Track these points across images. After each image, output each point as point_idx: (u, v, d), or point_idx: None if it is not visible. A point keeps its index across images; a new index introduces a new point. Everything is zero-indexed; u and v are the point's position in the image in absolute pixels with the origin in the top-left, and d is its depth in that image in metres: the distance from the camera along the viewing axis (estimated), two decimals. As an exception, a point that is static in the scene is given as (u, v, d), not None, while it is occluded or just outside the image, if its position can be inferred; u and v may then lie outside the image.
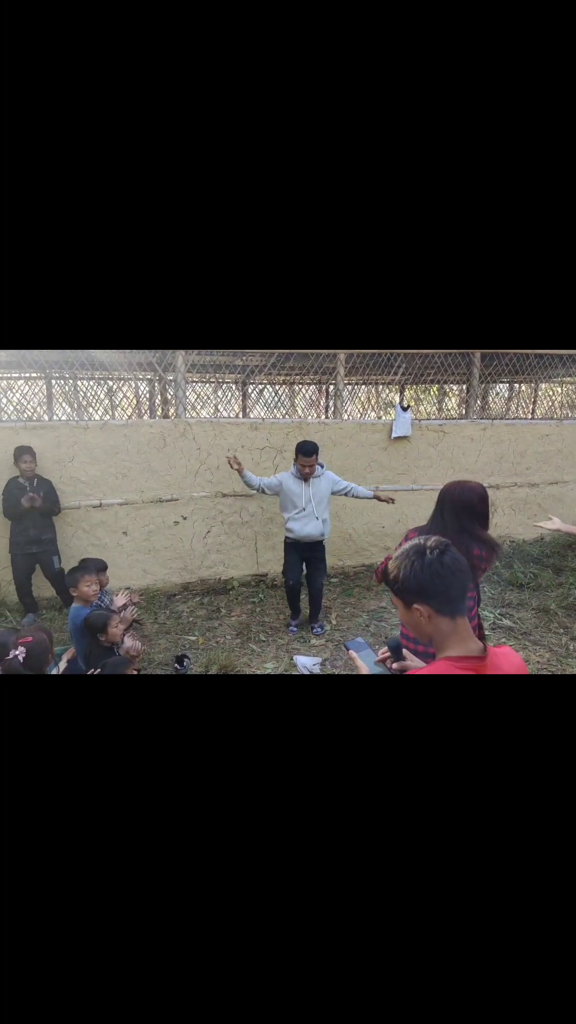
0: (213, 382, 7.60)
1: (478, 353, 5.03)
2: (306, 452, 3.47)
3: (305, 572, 3.78)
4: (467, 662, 0.99)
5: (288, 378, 7.30)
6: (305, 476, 3.53)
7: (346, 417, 4.89)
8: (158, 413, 7.14)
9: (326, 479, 3.60)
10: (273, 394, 7.23)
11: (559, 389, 8.16)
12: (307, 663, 3.24)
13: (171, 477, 4.29)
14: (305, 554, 3.70)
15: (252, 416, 7.20)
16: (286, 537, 3.70)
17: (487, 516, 1.92)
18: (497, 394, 9.01)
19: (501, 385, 8.71)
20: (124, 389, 7.53)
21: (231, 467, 3.43)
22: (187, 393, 4.76)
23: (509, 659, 1.06)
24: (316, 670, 3.22)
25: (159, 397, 7.25)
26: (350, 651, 1.32)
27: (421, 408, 8.89)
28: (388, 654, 1.25)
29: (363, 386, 8.06)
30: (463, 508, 1.85)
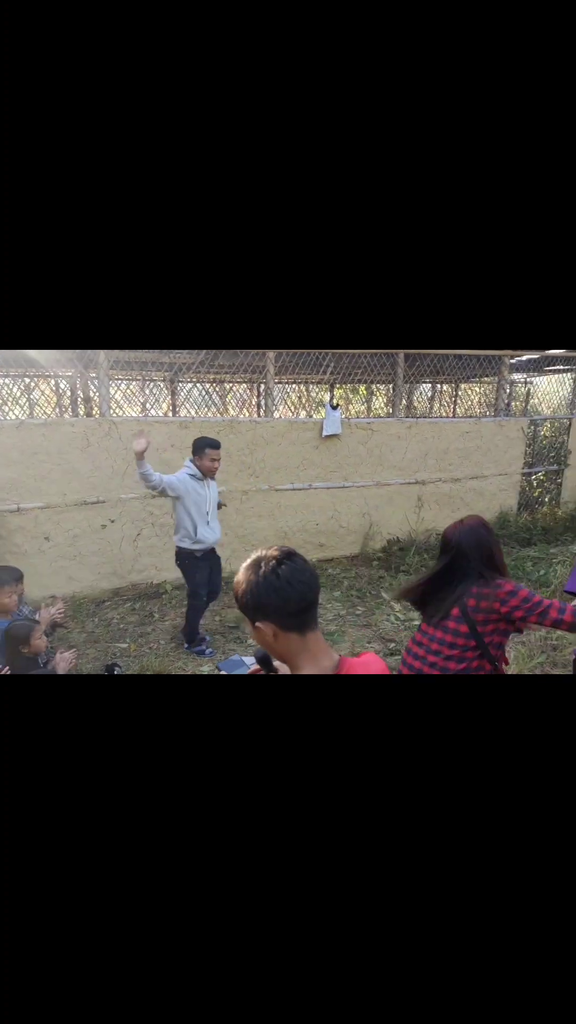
0: (139, 379, 7.35)
1: (402, 354, 5.21)
2: (215, 445, 3.16)
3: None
4: None
5: (218, 376, 7.20)
6: (213, 473, 3.20)
7: (277, 415, 4.89)
8: (80, 412, 6.80)
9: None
10: (203, 392, 7.10)
11: (477, 389, 8.64)
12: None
13: (96, 479, 4.10)
14: (212, 563, 3.39)
15: (182, 415, 7.05)
16: (191, 552, 3.23)
17: (501, 558, 1.67)
18: (421, 394, 9.40)
19: (424, 385, 9.09)
20: (42, 386, 7.11)
21: (136, 449, 2.89)
22: (111, 391, 4.57)
23: (369, 668, 0.97)
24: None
25: (81, 395, 6.91)
26: (221, 672, 1.26)
27: (350, 407, 9.09)
28: (258, 667, 1.15)
29: (294, 385, 8.12)
30: (482, 555, 1.63)
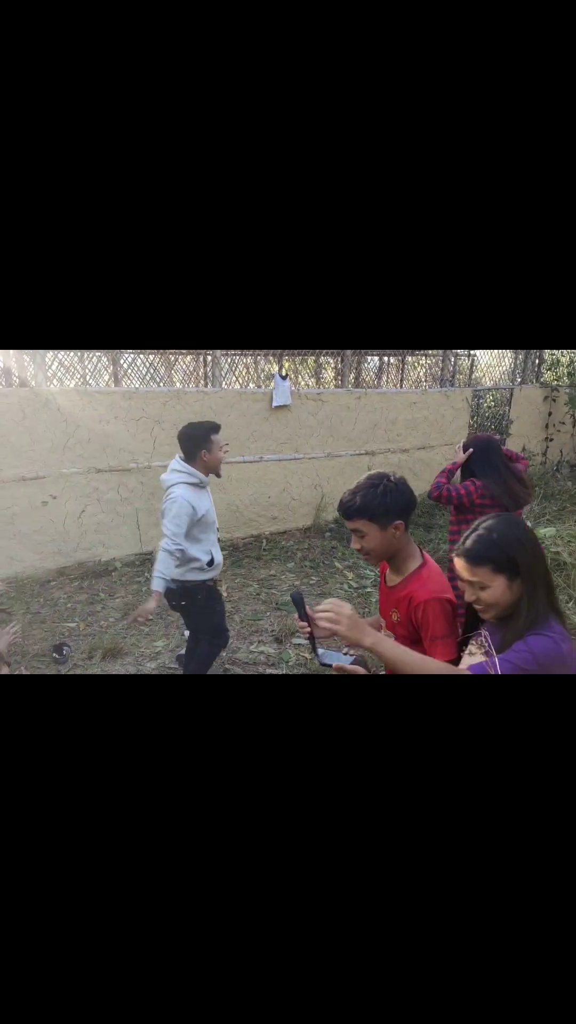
0: (77, 350, 6.96)
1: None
2: (218, 428, 2.26)
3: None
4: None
5: (160, 348, 6.92)
6: (216, 469, 2.27)
7: (225, 386, 4.78)
8: (15, 382, 6.38)
9: None
10: (146, 364, 6.82)
11: (423, 361, 8.76)
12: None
13: (35, 453, 3.88)
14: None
15: (124, 386, 6.76)
16: (204, 584, 2.31)
17: (491, 465, 2.56)
18: (368, 367, 9.43)
19: (371, 358, 9.12)
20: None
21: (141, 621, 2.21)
22: (48, 362, 4.30)
23: (431, 569, 1.35)
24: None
25: (15, 366, 6.47)
26: (325, 663, 1.19)
27: (299, 379, 9.02)
28: (356, 666, 1.16)
29: (241, 357, 7.95)
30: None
